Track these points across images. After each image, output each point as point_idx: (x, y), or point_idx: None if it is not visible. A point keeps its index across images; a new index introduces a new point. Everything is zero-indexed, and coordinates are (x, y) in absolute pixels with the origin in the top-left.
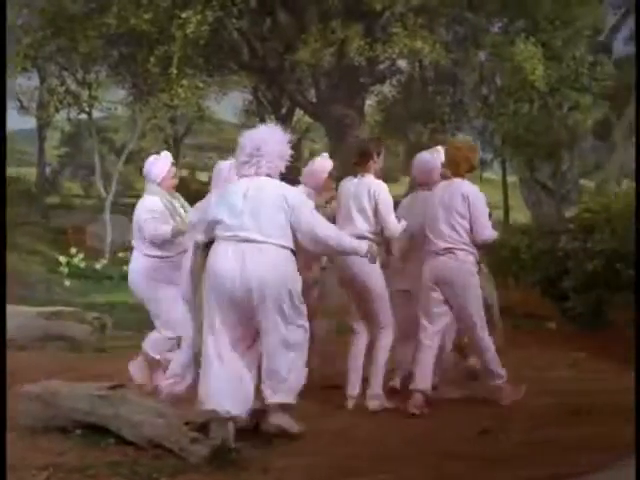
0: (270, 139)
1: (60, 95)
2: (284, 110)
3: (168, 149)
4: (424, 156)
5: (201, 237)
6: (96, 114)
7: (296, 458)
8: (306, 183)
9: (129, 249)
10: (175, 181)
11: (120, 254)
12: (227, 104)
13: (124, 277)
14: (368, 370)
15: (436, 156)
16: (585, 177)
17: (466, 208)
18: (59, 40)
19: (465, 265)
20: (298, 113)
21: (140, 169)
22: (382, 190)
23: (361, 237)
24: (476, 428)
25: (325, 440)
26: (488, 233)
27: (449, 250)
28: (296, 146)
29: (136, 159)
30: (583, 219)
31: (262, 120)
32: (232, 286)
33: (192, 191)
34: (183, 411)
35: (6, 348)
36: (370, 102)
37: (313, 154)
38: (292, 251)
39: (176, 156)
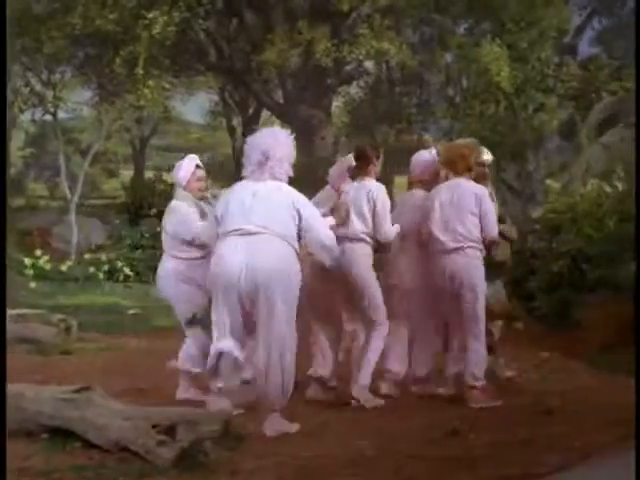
0: (276, 143)
1: (24, 96)
2: (251, 111)
3: (134, 150)
4: (423, 154)
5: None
6: (61, 115)
7: (265, 459)
8: (333, 184)
9: (95, 251)
10: (202, 184)
11: (86, 255)
12: (194, 105)
13: (89, 278)
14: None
15: (434, 154)
16: (551, 178)
17: (478, 207)
18: (23, 40)
19: (474, 261)
20: (265, 114)
21: (106, 170)
22: (381, 193)
23: (356, 239)
24: (446, 428)
25: (295, 441)
26: (497, 231)
27: (460, 248)
28: None
29: (102, 160)
30: (549, 219)
31: (229, 121)
32: (238, 277)
33: (158, 192)
34: (150, 413)
35: (6, 348)
36: (337, 103)
37: None
38: (296, 251)
39: (142, 157)
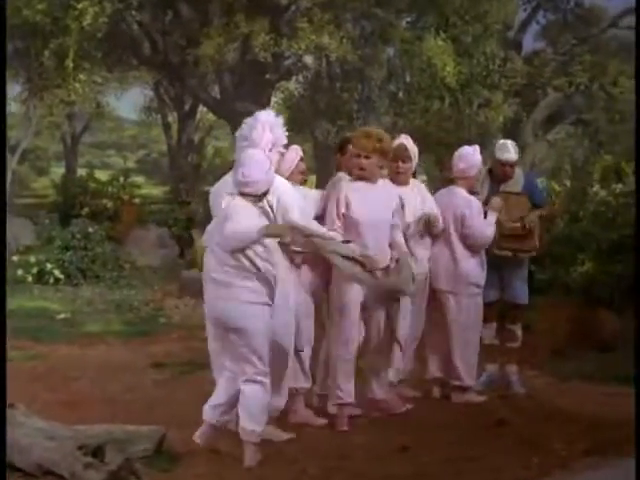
0: (254, 127)
1: None
2: (187, 107)
3: (65, 148)
4: (467, 150)
5: None
6: None
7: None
8: None
9: (23, 252)
10: (303, 177)
11: (14, 257)
12: (128, 101)
13: (18, 281)
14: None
15: (477, 150)
16: None
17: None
18: None
19: None
20: (202, 110)
21: (36, 168)
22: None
23: None
24: (396, 445)
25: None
26: None
27: None
28: (199, 144)
29: (31, 158)
30: None
31: (164, 117)
32: None
33: (90, 191)
34: (77, 432)
35: (6, 348)
36: (276, 99)
37: (217, 152)
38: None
39: (74, 155)
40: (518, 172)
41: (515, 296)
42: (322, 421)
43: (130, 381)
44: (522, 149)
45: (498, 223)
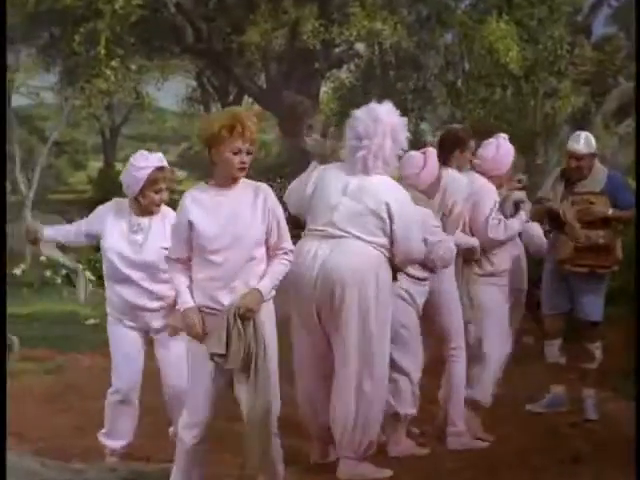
0: (373, 124)
1: None
2: (231, 97)
3: (104, 140)
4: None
5: None
6: (22, 101)
7: None
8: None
9: None
10: None
11: (42, 257)
12: (169, 91)
13: (46, 283)
14: None
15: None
16: None
17: None
18: None
19: None
20: (247, 100)
21: (73, 162)
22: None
23: None
24: None
25: None
26: None
27: None
28: None
29: (69, 151)
30: None
31: (207, 108)
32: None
33: (119, 185)
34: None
35: (6, 348)
36: (325, 89)
37: (263, 146)
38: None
39: (112, 148)
40: (599, 168)
41: (586, 312)
42: (425, 451)
43: (154, 401)
44: None
45: (570, 233)
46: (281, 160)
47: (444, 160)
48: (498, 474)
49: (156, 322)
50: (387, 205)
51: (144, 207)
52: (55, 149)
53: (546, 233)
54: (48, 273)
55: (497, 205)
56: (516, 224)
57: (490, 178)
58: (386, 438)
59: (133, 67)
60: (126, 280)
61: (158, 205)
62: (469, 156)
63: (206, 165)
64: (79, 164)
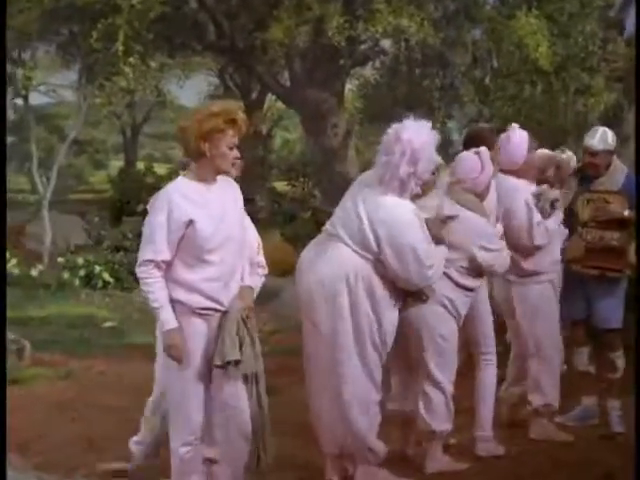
0: (398, 141)
1: None
2: (254, 95)
3: (125, 139)
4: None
5: None
6: (41, 99)
7: None
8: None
9: (71, 253)
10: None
11: (60, 259)
12: (190, 88)
13: (62, 285)
14: None
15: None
16: None
17: None
18: None
19: None
20: (270, 98)
21: (94, 161)
22: None
23: None
24: None
25: None
26: None
27: None
28: (267, 136)
29: (89, 150)
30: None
31: None
32: None
33: (146, 185)
34: None
35: (6, 348)
36: (350, 86)
37: (286, 144)
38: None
39: (133, 147)
40: (617, 167)
41: (603, 319)
42: (464, 466)
43: None
44: (623, 142)
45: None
46: (304, 159)
47: None
48: None
49: None
50: (375, 231)
51: None
52: (75, 148)
53: None
54: (66, 275)
55: (532, 205)
56: (554, 224)
57: (514, 174)
58: (423, 454)
59: (153, 64)
60: None
61: None
62: (495, 157)
63: None
64: (100, 163)
